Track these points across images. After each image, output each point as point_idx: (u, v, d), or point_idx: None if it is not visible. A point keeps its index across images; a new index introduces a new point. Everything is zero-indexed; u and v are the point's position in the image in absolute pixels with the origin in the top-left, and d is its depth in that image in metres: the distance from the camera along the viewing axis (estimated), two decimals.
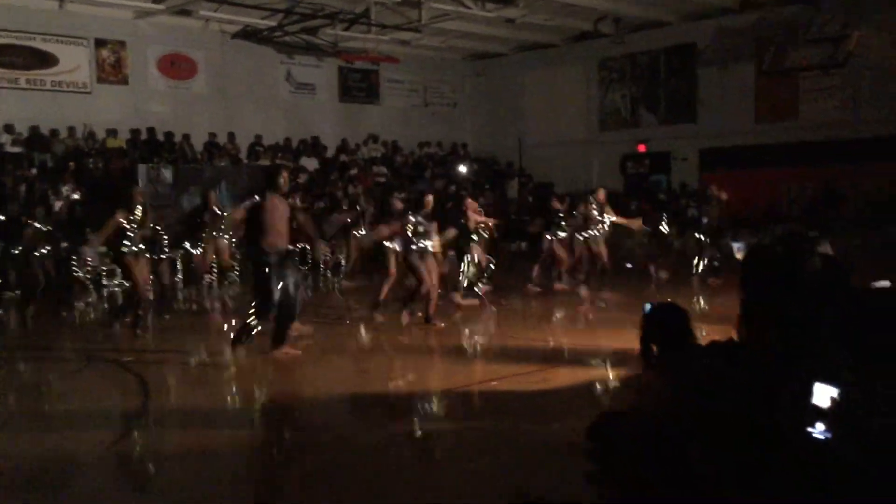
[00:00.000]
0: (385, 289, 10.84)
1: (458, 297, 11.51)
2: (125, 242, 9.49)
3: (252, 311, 8.20)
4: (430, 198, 10.30)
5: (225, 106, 21.73)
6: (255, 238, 8.14)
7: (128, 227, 9.50)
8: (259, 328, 8.17)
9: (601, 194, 12.75)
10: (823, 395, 3.33)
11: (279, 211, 8.15)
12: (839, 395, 3.28)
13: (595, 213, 12.53)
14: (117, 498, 4.89)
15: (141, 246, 9.62)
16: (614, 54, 24.27)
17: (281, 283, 8.12)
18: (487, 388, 7.03)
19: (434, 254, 9.98)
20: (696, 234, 13.89)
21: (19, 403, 7.32)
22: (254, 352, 8.19)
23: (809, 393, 3.36)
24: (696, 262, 13.59)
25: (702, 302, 11.59)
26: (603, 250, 12.59)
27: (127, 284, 10.88)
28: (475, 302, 11.57)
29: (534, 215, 14.33)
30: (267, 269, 8.00)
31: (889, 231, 16.74)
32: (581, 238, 12.68)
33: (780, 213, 19.10)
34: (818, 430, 3.30)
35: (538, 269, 13.01)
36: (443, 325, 9.92)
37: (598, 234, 12.57)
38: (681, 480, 3.34)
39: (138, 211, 9.65)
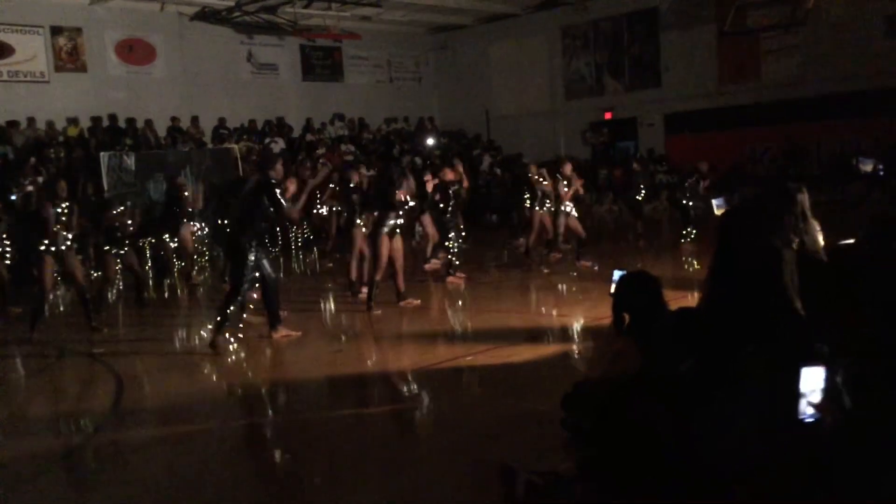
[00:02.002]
0: (353, 266, 10.81)
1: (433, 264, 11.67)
2: (44, 240, 9.05)
3: (225, 299, 8.16)
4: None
5: (186, 89, 21.45)
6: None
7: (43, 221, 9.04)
8: (231, 313, 8.04)
9: (567, 168, 12.63)
10: (812, 378, 3.29)
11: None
12: (826, 377, 3.22)
13: (564, 187, 12.41)
14: (93, 488, 4.86)
15: (66, 243, 9.15)
16: (577, 22, 24.24)
17: (258, 267, 8.10)
18: (461, 364, 7.05)
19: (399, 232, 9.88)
20: (684, 202, 13.98)
21: None
22: (235, 338, 8.13)
23: (795, 377, 3.31)
24: (686, 229, 13.64)
25: (683, 265, 11.77)
26: (573, 223, 12.51)
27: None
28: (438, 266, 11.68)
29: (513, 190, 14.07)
30: (248, 256, 7.96)
31: (849, 188, 16.94)
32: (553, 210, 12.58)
33: (746, 174, 19.26)
34: (808, 414, 3.27)
35: (532, 239, 13.00)
36: (418, 301, 9.90)
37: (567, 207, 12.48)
38: (650, 446, 3.37)
39: (63, 206, 9.19)
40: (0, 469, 5.15)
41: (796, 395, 3.31)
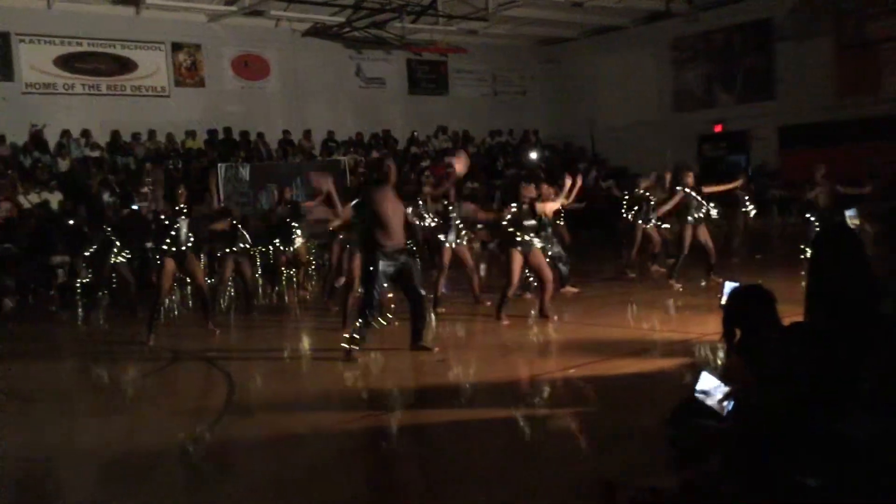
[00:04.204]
0: (441, 283, 10.56)
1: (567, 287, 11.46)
2: (166, 242, 9.33)
3: (358, 313, 8.05)
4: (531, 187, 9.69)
5: (298, 103, 22.07)
6: (367, 235, 7.92)
7: (166, 225, 9.38)
8: (367, 328, 7.90)
9: (689, 177, 12.27)
10: None
11: (391, 204, 7.85)
12: None
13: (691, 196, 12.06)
14: (202, 486, 5.02)
15: (188, 244, 9.41)
16: (687, 33, 23.80)
17: (406, 282, 7.98)
18: (565, 376, 6.99)
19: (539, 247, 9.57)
20: (807, 215, 13.54)
21: (109, 397, 7.60)
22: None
23: None
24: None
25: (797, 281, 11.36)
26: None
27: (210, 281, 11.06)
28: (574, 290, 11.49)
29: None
30: (373, 270, 7.78)
31: None
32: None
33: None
34: None
35: (634, 254, 12.85)
36: (556, 317, 9.71)
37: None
38: (767, 465, 3.27)
39: (182, 204, 9.41)
40: (116, 464, 5.39)
41: None
